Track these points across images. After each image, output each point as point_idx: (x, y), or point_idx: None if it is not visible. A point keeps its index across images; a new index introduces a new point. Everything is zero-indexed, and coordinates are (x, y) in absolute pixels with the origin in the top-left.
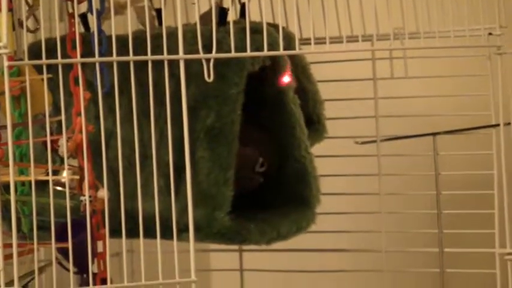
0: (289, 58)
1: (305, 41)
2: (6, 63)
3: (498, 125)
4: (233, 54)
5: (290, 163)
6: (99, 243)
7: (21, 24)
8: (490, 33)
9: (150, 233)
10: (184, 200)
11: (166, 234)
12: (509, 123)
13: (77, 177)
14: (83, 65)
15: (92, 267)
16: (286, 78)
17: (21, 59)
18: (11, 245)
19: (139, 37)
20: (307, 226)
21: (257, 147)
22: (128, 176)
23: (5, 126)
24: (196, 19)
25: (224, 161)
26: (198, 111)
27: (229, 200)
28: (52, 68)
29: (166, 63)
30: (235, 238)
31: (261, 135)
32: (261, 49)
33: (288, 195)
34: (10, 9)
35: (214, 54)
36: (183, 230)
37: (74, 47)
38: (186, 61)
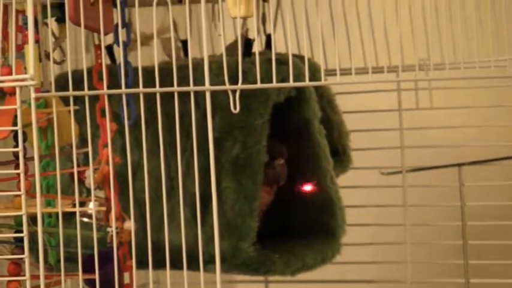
0: (314, 89)
1: (330, 72)
2: (33, 95)
3: None
4: (259, 85)
5: (316, 193)
6: (126, 275)
7: (47, 56)
8: None
9: (176, 264)
10: (210, 230)
11: (192, 265)
12: None
13: (104, 208)
14: (109, 96)
15: None
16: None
17: (48, 91)
18: (38, 277)
19: (165, 68)
20: (332, 257)
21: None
22: (154, 208)
23: (32, 158)
24: (222, 50)
25: (249, 192)
26: (223, 142)
27: (254, 231)
28: (79, 100)
29: (192, 94)
30: (260, 269)
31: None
32: (286, 80)
33: (313, 226)
34: (37, 41)
35: (240, 86)
36: (208, 261)
37: (101, 79)
38: (212, 92)
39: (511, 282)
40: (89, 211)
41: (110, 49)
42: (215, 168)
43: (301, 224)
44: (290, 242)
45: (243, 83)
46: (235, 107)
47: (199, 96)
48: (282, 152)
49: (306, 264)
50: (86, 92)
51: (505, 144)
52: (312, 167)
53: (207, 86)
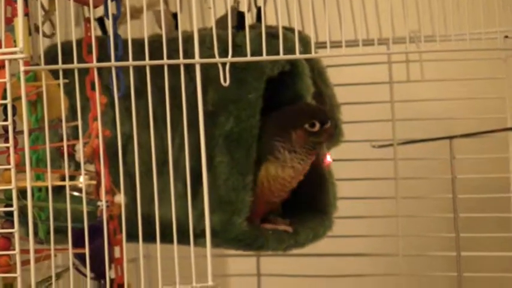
0: (306, 62)
1: (321, 45)
2: (22, 68)
3: None
4: (249, 58)
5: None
6: (116, 249)
7: (37, 29)
8: (506, 36)
9: (167, 238)
10: (202, 205)
11: (183, 239)
12: None
13: (94, 182)
14: (100, 69)
15: (109, 273)
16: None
17: (38, 64)
18: (28, 251)
19: (157, 41)
20: (324, 233)
21: None
22: (146, 181)
23: (21, 132)
24: (213, 23)
25: (243, 166)
26: (217, 116)
27: (247, 206)
28: (69, 73)
29: (182, 67)
30: (252, 244)
31: None
32: (278, 53)
33: (304, 202)
34: (26, 14)
35: (230, 59)
36: (200, 235)
37: (90, 52)
38: (204, 65)
39: (503, 254)
40: (79, 185)
41: (101, 21)
42: (208, 142)
43: (293, 200)
44: (283, 218)
45: (237, 56)
46: (225, 80)
47: (193, 69)
48: (327, 115)
49: (298, 241)
50: (76, 65)
51: (496, 117)
52: None
53: (197, 58)
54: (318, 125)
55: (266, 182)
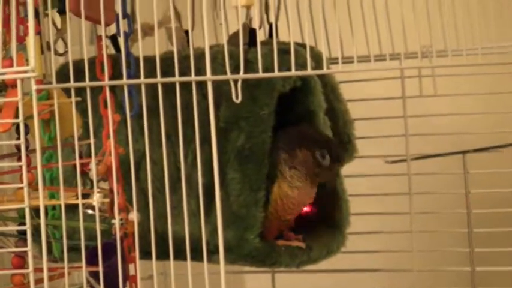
0: (319, 78)
1: (333, 61)
2: (34, 87)
3: None
4: (261, 74)
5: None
6: (131, 266)
7: (49, 47)
8: None
9: (181, 255)
10: (215, 221)
11: (198, 256)
12: None
13: (108, 200)
14: (113, 87)
15: None
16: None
17: (50, 83)
18: (42, 269)
19: (170, 58)
20: (337, 249)
21: None
22: (160, 198)
23: (34, 150)
24: (224, 40)
25: (254, 182)
26: (228, 133)
27: (259, 222)
28: (82, 91)
29: (194, 84)
30: (265, 260)
31: None
32: (290, 70)
33: (317, 218)
34: (38, 33)
35: (242, 75)
36: (213, 251)
37: (103, 70)
38: (217, 82)
39: None
40: (93, 203)
41: (114, 39)
42: (220, 159)
43: (306, 216)
44: (296, 234)
45: (250, 73)
46: (237, 97)
47: (205, 86)
48: (342, 155)
49: (312, 257)
50: (88, 83)
51: (509, 131)
52: None
53: (209, 75)
54: (328, 160)
55: (279, 200)
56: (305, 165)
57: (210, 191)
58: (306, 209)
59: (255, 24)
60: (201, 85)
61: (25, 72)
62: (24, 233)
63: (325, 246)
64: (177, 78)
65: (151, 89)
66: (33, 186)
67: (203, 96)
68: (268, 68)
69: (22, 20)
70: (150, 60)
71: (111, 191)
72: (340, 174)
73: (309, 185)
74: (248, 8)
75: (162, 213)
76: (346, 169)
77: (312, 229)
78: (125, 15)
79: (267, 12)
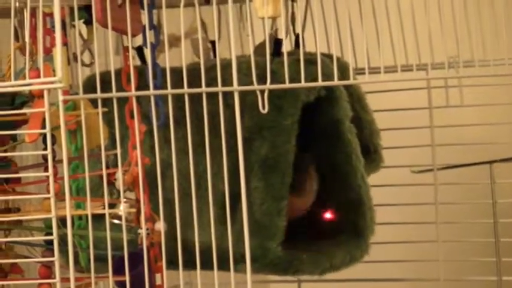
0: (344, 88)
1: (360, 71)
2: (61, 98)
3: None
4: (287, 85)
5: (345, 192)
6: (158, 276)
7: (76, 58)
8: None
9: (206, 265)
10: (238, 230)
11: (222, 265)
12: None
13: (134, 210)
14: (139, 97)
15: None
16: (328, 215)
17: (77, 93)
18: (68, 279)
19: (196, 69)
20: (360, 257)
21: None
22: (184, 208)
23: (61, 161)
24: (251, 50)
25: (277, 191)
26: (252, 142)
27: (282, 230)
28: (108, 102)
29: (220, 95)
30: (288, 269)
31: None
32: (315, 80)
33: (341, 225)
34: (65, 44)
35: (268, 86)
36: (238, 260)
37: (129, 81)
38: (241, 92)
39: None
40: (119, 213)
41: (140, 50)
42: (245, 168)
43: (330, 223)
44: (318, 242)
45: (273, 83)
46: (263, 107)
47: (229, 96)
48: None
49: (334, 264)
50: (114, 94)
51: None
52: (342, 166)
53: (235, 86)
54: None
55: None
56: None
57: (233, 200)
58: (329, 216)
59: (281, 35)
60: (226, 95)
61: (52, 83)
62: (51, 243)
63: (348, 253)
64: (203, 89)
65: (176, 100)
66: (59, 196)
67: (227, 106)
68: (293, 78)
69: (49, 31)
70: (175, 71)
71: (138, 200)
72: (366, 181)
73: None
74: (274, 18)
75: (185, 222)
76: (373, 179)
77: (336, 236)
78: (151, 27)
79: (293, 23)
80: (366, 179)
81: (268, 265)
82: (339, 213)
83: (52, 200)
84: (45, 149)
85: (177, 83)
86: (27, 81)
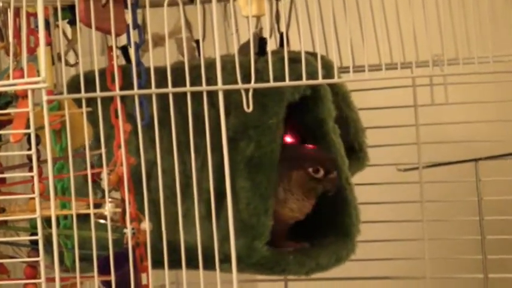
0: (329, 86)
1: (344, 69)
2: (45, 98)
3: None
4: (272, 84)
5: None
6: (144, 276)
7: (60, 58)
8: None
9: (191, 264)
10: (224, 230)
11: (207, 264)
12: None
13: (119, 210)
14: (124, 97)
15: None
16: (287, 139)
17: (62, 93)
18: (54, 279)
19: (180, 68)
20: (347, 256)
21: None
22: (170, 207)
23: (46, 161)
24: (236, 49)
25: (264, 190)
26: (237, 142)
27: (268, 230)
28: (93, 101)
29: (205, 94)
30: (274, 268)
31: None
32: (300, 78)
33: (327, 226)
34: (49, 44)
35: (253, 85)
36: (223, 260)
37: (114, 80)
38: (226, 91)
39: None
40: (105, 212)
41: (124, 50)
42: (230, 167)
43: (315, 224)
44: (304, 242)
45: (258, 82)
46: (248, 106)
47: (214, 95)
48: (334, 165)
49: (320, 264)
50: (98, 93)
51: None
52: None
53: (220, 85)
54: (322, 173)
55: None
56: (300, 184)
57: (219, 200)
58: (288, 139)
59: (266, 34)
60: (211, 94)
61: (36, 83)
62: (36, 243)
63: (334, 253)
64: (188, 88)
65: (160, 99)
66: (44, 196)
67: (212, 105)
68: (278, 77)
69: (33, 31)
70: (159, 71)
71: (123, 200)
72: (350, 182)
73: (306, 201)
74: (258, 17)
75: (171, 222)
76: (358, 177)
77: (320, 236)
78: (135, 26)
79: (277, 22)
80: (350, 179)
81: (254, 265)
82: (324, 211)
83: (37, 200)
84: (30, 149)
85: (162, 82)
86: (11, 81)
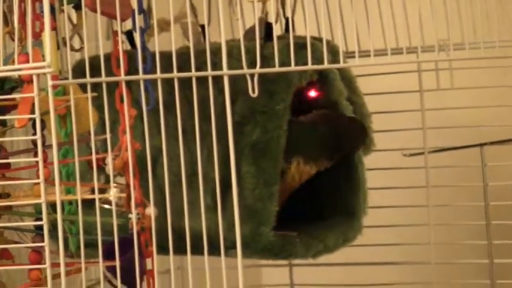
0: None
1: (350, 54)
2: (50, 83)
3: None
4: (277, 69)
5: (340, 170)
6: (149, 261)
7: (65, 43)
8: None
9: (198, 250)
10: (230, 216)
11: (214, 250)
12: None
13: (124, 195)
14: (129, 82)
15: (141, 285)
16: (312, 93)
17: (67, 78)
18: (59, 265)
19: (186, 53)
20: (354, 237)
21: None
22: (176, 193)
23: (51, 146)
24: (240, 34)
25: (269, 176)
26: (243, 127)
27: (274, 215)
28: (98, 86)
29: (210, 79)
30: (280, 253)
31: None
32: (306, 64)
33: (333, 207)
34: (54, 29)
35: (258, 70)
36: (230, 246)
37: (119, 65)
38: (233, 77)
39: None
40: (110, 198)
41: (130, 35)
42: (235, 153)
43: (324, 204)
44: (310, 224)
45: (265, 67)
46: (253, 91)
47: (221, 80)
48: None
49: (328, 246)
50: (103, 78)
51: None
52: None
53: (225, 70)
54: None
55: (297, 175)
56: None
57: (224, 185)
58: (313, 93)
59: (271, 19)
60: (217, 80)
61: (41, 68)
62: (41, 228)
63: (342, 234)
64: (193, 73)
65: (167, 84)
66: (49, 181)
67: (219, 91)
68: (284, 62)
69: (38, 16)
70: (165, 56)
71: (128, 185)
72: (362, 161)
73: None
74: (264, 2)
75: (177, 208)
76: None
77: (327, 217)
78: (141, 11)
79: (283, 7)
80: (362, 159)
81: (261, 250)
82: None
83: (42, 185)
84: (35, 134)
85: (166, 67)
86: (17, 66)
